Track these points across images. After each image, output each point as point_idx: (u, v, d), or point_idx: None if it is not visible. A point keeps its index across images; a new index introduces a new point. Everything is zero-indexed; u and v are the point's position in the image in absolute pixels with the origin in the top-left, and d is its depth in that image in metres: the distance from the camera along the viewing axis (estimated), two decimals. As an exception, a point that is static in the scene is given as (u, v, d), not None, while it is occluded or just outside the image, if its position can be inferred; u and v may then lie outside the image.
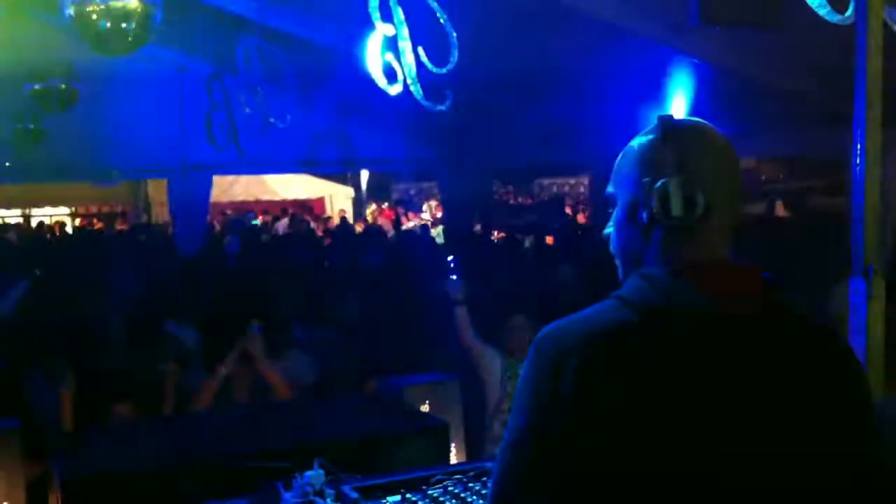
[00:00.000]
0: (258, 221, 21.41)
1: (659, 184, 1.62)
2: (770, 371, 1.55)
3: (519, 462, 1.54)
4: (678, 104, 8.26)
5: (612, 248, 1.76)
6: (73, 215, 23.46)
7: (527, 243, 14.11)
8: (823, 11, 4.61)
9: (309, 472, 2.85)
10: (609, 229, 1.77)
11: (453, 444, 4.54)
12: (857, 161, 4.44)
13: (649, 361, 1.50)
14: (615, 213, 1.75)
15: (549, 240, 14.05)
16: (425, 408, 4.55)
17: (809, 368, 1.59)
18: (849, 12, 4.57)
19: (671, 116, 1.69)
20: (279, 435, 3.96)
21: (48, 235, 18.90)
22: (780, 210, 16.81)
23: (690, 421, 1.49)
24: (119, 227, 20.64)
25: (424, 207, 25.23)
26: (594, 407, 1.48)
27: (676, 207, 1.60)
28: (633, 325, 1.53)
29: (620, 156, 1.75)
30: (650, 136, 1.69)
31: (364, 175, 24.44)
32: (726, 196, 1.65)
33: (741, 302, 1.58)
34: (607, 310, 1.59)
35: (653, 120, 1.71)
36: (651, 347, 1.51)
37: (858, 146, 4.44)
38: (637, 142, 1.72)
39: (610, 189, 1.76)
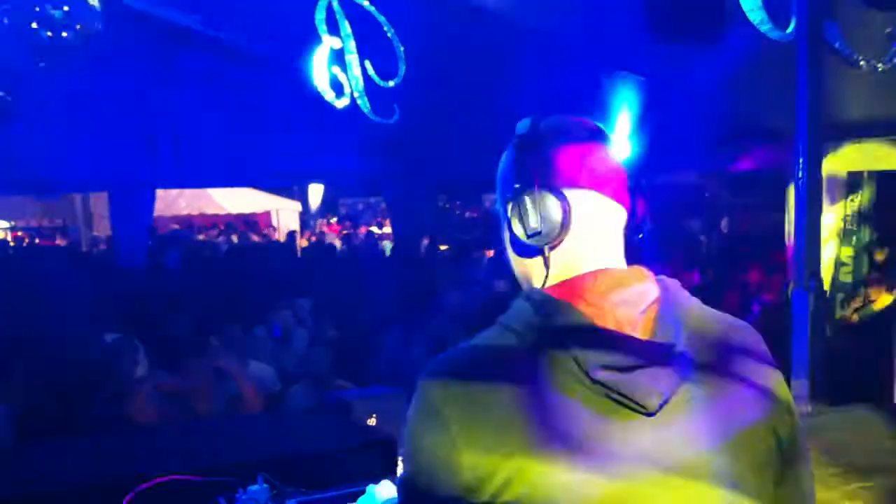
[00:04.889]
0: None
1: (516, 199, 1.51)
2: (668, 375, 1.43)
3: (410, 494, 1.47)
4: (623, 119, 8.34)
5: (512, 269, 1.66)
6: (11, 229, 22.99)
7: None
8: (766, 28, 4.70)
9: (252, 487, 2.80)
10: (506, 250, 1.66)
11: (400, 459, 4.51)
12: (800, 176, 4.53)
13: (534, 385, 1.39)
14: (501, 233, 1.63)
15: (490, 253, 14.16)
16: (372, 421, 4.51)
17: (715, 368, 1.49)
18: (790, 28, 4.66)
19: (534, 117, 1.58)
20: (222, 449, 3.89)
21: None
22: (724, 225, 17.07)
23: (582, 442, 1.38)
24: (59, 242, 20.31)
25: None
26: (482, 438, 1.38)
27: (532, 222, 1.50)
28: (514, 350, 1.43)
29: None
30: (510, 147, 1.59)
31: (311, 189, 24.30)
32: (601, 201, 1.54)
33: (628, 308, 1.46)
34: (490, 336, 1.49)
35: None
36: (535, 371, 1.41)
37: (801, 161, 4.53)
38: (504, 153, 1.62)
39: (496, 206, 1.65)
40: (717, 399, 1.48)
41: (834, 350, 4.64)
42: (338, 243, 19.71)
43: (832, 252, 8.37)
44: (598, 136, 1.58)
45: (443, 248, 15.37)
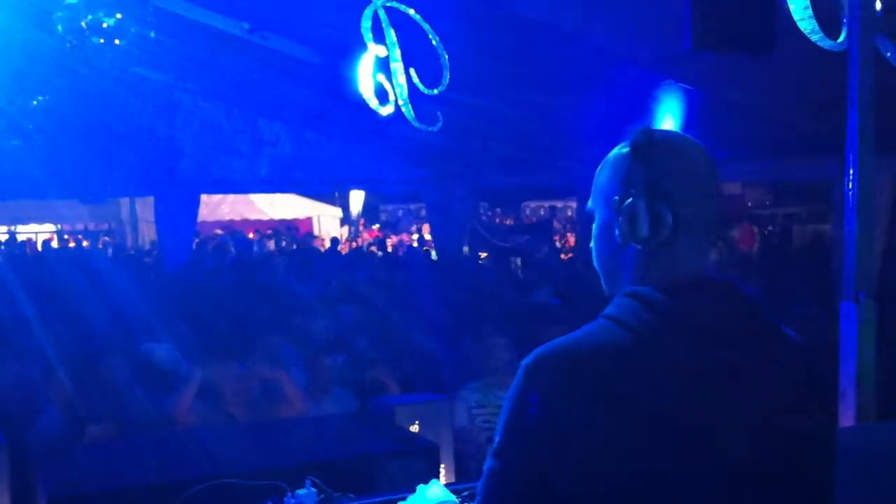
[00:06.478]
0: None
1: (627, 202, 1.62)
2: (757, 384, 1.54)
3: (507, 489, 1.52)
4: (666, 127, 8.26)
5: (594, 262, 1.76)
6: (58, 233, 23.28)
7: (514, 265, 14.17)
8: (816, 38, 4.64)
9: (301, 492, 2.82)
10: (591, 244, 1.76)
11: (443, 466, 4.52)
12: (850, 186, 4.46)
13: (648, 382, 1.47)
14: (594, 229, 1.74)
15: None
16: (415, 428, 4.53)
17: (792, 382, 1.59)
18: (841, 38, 4.60)
19: (648, 129, 1.66)
20: (269, 453, 3.93)
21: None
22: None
23: (687, 437, 1.47)
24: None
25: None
26: (591, 431, 1.45)
27: (643, 227, 1.60)
28: (629, 347, 1.51)
29: (598, 169, 1.74)
30: (623, 151, 1.68)
31: (352, 196, 24.41)
32: (701, 212, 1.64)
33: (729, 317, 1.58)
34: (599, 331, 1.56)
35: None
36: (650, 368, 1.48)
37: (851, 172, 4.46)
38: (612, 155, 1.71)
39: (590, 204, 1.75)
40: None
41: (882, 363, 4.57)
42: (378, 249, 19.78)
43: (879, 263, 8.24)
44: (705, 154, 1.69)
45: (483, 255, 15.37)
